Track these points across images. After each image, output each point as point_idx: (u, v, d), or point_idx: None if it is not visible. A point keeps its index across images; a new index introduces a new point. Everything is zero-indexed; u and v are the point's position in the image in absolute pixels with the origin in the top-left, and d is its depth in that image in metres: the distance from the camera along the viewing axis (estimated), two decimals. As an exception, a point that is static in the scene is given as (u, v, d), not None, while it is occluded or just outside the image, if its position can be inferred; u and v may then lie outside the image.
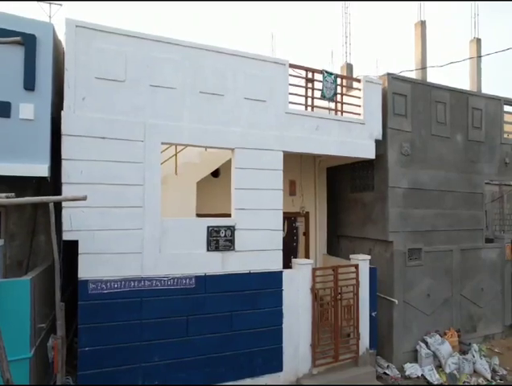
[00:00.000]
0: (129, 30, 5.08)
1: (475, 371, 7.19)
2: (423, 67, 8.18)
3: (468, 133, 8.11)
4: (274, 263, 5.87)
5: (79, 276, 4.73)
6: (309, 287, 6.09)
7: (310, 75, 6.54)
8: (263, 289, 5.77)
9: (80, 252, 4.73)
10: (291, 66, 6.23)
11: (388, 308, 7.04)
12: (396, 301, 6.89)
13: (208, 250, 5.44)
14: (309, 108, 6.60)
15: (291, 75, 6.31)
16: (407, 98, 7.30)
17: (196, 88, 5.46)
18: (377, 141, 6.98)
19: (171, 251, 5.22)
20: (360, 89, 6.88)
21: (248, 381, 5.61)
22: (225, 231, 5.56)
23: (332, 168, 8.52)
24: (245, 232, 5.69)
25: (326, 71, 6.51)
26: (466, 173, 8.00)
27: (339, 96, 6.93)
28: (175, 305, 5.19)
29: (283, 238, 8.09)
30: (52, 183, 5.13)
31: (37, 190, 5.23)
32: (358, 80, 6.96)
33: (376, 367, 6.74)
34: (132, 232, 4.99)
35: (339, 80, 6.77)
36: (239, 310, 5.59)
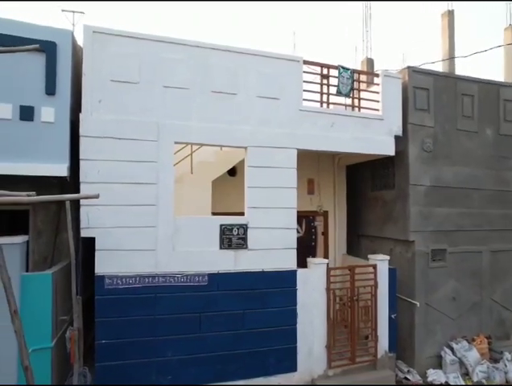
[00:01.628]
0: (142, 32, 5.23)
1: (507, 381, 6.75)
2: (446, 59, 7.78)
3: (499, 127, 7.62)
4: (287, 262, 5.82)
5: (96, 271, 4.93)
6: (324, 287, 5.98)
7: (326, 71, 6.42)
8: (277, 288, 5.73)
9: (96, 248, 4.94)
10: (306, 62, 6.15)
11: (409, 310, 6.76)
12: (417, 303, 6.60)
13: (220, 248, 5.49)
14: (325, 105, 6.47)
15: (305, 72, 6.24)
16: (430, 92, 6.97)
17: (207, 88, 5.52)
18: (397, 138, 6.73)
19: (185, 248, 5.32)
20: (378, 84, 6.66)
21: (261, 380, 5.60)
22: (238, 229, 5.58)
23: (352, 166, 8.32)
24: (259, 230, 5.69)
25: (342, 67, 6.37)
26: (497, 170, 7.52)
27: (356, 92, 6.76)
28: (188, 302, 5.28)
29: (301, 237, 8.08)
30: (74, 183, 5.38)
31: (60, 190, 5.50)
32: (376, 75, 6.74)
33: (396, 371, 6.49)
34: (146, 229, 5.13)
35: (356, 76, 6.59)
36: (252, 309, 5.59)
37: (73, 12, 6.53)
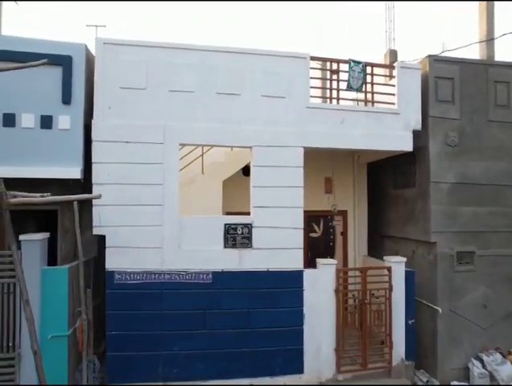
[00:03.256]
0: (148, 40, 5.51)
1: (549, 401, 6.03)
2: (469, 44, 7.14)
3: (541, 116, 6.82)
4: (294, 262, 5.74)
5: (106, 267, 5.28)
6: (333, 288, 5.81)
7: (336, 66, 6.23)
8: (283, 288, 5.68)
9: (107, 245, 5.28)
10: (313, 59, 6.02)
11: (432, 316, 6.31)
12: (440, 309, 6.14)
13: (225, 247, 5.58)
14: (335, 101, 6.28)
15: (315, 68, 6.12)
16: (454, 81, 6.44)
17: (212, 89, 5.64)
18: (416, 132, 6.33)
19: (190, 247, 5.48)
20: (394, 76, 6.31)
21: (267, 380, 5.59)
22: (242, 228, 5.63)
23: (374, 163, 7.95)
24: (264, 229, 5.68)
25: (353, 60, 6.12)
26: (538, 163, 6.73)
27: (370, 87, 6.46)
28: (193, 298, 5.44)
29: (319, 237, 7.92)
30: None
31: (83, 191, 5.97)
32: (392, 67, 6.39)
33: (416, 381, 6.11)
34: (153, 228, 5.38)
35: (369, 69, 6.30)
36: (257, 308, 5.61)
37: (96, 26, 7.07)
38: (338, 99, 6.27)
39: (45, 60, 4.35)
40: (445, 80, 6.43)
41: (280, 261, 5.70)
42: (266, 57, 5.82)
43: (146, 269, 5.36)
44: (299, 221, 5.84)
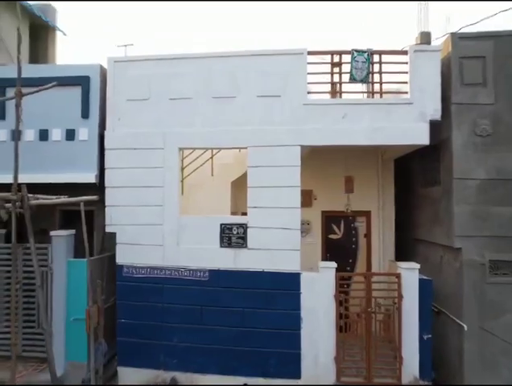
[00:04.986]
0: (151, 54, 6.01)
1: None
2: (494, 14, 5.90)
3: None
4: (290, 263, 5.61)
5: (116, 261, 5.91)
6: (333, 293, 5.50)
7: (338, 58, 5.87)
8: (278, 290, 5.60)
9: (117, 242, 5.91)
10: (311, 53, 5.77)
11: (458, 334, 5.49)
12: (465, 326, 5.30)
13: (221, 246, 5.74)
14: (336, 96, 5.92)
15: (316, 62, 5.88)
16: (487, 60, 5.48)
17: (208, 94, 5.86)
18: (438, 123, 5.58)
19: (188, 245, 5.79)
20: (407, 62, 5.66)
21: (261, 381, 5.57)
22: (238, 228, 5.71)
23: (402, 160, 7.19)
24: (259, 230, 5.68)
25: (356, 50, 5.69)
26: None
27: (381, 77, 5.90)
28: (191, 294, 5.74)
29: (339, 240, 7.53)
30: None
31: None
32: (404, 52, 5.74)
33: (437, 404, 5.39)
34: (154, 227, 5.84)
35: (377, 57, 5.78)
36: (252, 308, 5.63)
37: (125, 46, 7.92)
38: (341, 93, 5.90)
39: (55, 83, 5.14)
40: (473, 60, 5.52)
41: (276, 262, 5.62)
42: (260, 57, 5.81)
43: (149, 265, 5.84)
44: (296, 222, 5.67)
